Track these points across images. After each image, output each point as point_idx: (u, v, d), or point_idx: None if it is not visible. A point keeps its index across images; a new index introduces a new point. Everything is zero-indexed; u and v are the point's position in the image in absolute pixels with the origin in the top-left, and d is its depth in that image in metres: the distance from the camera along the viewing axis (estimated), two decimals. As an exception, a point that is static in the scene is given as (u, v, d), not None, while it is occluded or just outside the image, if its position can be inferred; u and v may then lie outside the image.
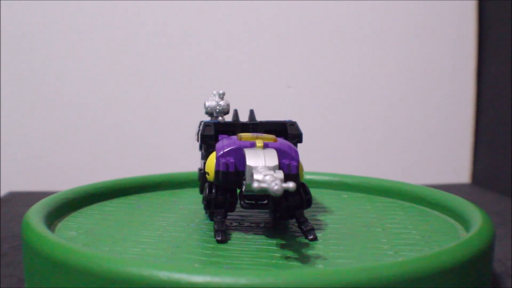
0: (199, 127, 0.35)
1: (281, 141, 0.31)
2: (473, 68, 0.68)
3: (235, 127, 0.35)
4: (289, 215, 0.31)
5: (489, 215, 0.31)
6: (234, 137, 0.31)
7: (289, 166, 0.29)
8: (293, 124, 0.35)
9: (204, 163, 0.33)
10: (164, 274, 0.22)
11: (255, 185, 0.25)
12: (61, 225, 0.33)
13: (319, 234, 0.31)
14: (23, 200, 0.58)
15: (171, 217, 0.35)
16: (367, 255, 0.28)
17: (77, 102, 0.66)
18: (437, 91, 0.69)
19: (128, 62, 0.66)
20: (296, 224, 0.31)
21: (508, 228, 0.45)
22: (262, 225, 0.33)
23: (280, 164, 0.29)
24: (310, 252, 0.28)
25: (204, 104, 0.35)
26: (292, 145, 0.30)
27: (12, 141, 0.66)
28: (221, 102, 0.35)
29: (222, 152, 0.29)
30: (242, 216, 0.35)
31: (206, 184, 0.31)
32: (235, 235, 0.31)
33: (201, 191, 0.38)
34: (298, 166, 0.29)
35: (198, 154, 0.37)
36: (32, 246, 0.27)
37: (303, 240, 0.30)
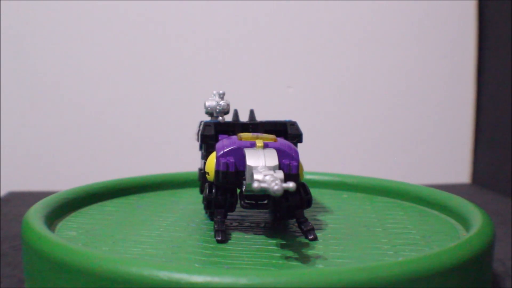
0: (199, 127, 0.35)
1: (281, 141, 0.31)
2: (473, 68, 0.68)
3: (235, 127, 0.35)
4: (289, 215, 0.31)
5: (489, 215, 0.31)
6: (234, 137, 0.31)
7: (289, 166, 0.29)
8: (293, 124, 0.35)
9: (204, 163, 0.33)
10: (164, 274, 0.22)
11: (255, 185, 0.25)
12: (61, 225, 0.33)
13: (319, 234, 0.31)
14: (23, 200, 0.58)
15: (171, 217, 0.35)
16: (367, 255, 0.28)
17: (77, 102, 0.66)
18: (437, 91, 0.69)
19: (128, 62, 0.66)
20: (296, 224, 0.31)
21: (508, 228, 0.45)
22: (262, 225, 0.33)
23: (280, 164, 0.29)
24: (310, 252, 0.28)
25: (204, 104, 0.35)
26: (292, 145, 0.30)
27: (12, 141, 0.66)
28: (221, 102, 0.35)
29: (222, 152, 0.29)
30: (242, 216, 0.35)
31: (206, 184, 0.31)
32: (235, 235, 0.31)
33: (201, 191, 0.38)
34: (298, 166, 0.29)
35: (198, 154, 0.37)
36: (32, 246, 0.27)
37: (303, 240, 0.30)
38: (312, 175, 0.44)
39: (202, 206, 0.36)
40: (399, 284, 0.22)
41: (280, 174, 0.26)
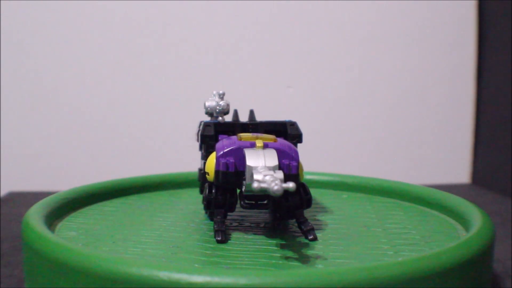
0: (199, 127, 0.35)
1: (281, 141, 0.31)
2: (473, 68, 0.68)
3: (235, 127, 0.35)
4: (289, 215, 0.31)
5: (489, 215, 0.31)
6: (234, 137, 0.31)
7: (289, 166, 0.29)
8: (293, 124, 0.35)
9: (204, 163, 0.33)
10: (164, 274, 0.22)
11: (255, 185, 0.25)
12: (61, 225, 0.33)
13: (319, 234, 0.31)
14: (23, 200, 0.58)
15: (171, 217, 0.35)
16: (367, 255, 0.28)
17: (77, 102, 0.66)
18: (437, 91, 0.69)
19: (128, 62, 0.66)
20: (296, 224, 0.31)
21: (508, 228, 0.45)
22: (262, 225, 0.33)
23: (280, 164, 0.29)
24: (310, 252, 0.28)
25: (204, 104, 0.35)
26: (292, 145, 0.30)
27: (12, 141, 0.66)
28: (221, 102, 0.35)
29: (222, 152, 0.29)
30: (242, 216, 0.35)
31: (206, 184, 0.31)
32: (235, 235, 0.31)
33: (201, 191, 0.38)
34: (298, 166, 0.29)
35: (198, 154, 0.37)
36: (32, 246, 0.27)
37: (303, 240, 0.30)
38: (312, 175, 0.44)
39: (202, 206, 0.36)
40: (399, 284, 0.22)
41: (280, 174, 0.26)
